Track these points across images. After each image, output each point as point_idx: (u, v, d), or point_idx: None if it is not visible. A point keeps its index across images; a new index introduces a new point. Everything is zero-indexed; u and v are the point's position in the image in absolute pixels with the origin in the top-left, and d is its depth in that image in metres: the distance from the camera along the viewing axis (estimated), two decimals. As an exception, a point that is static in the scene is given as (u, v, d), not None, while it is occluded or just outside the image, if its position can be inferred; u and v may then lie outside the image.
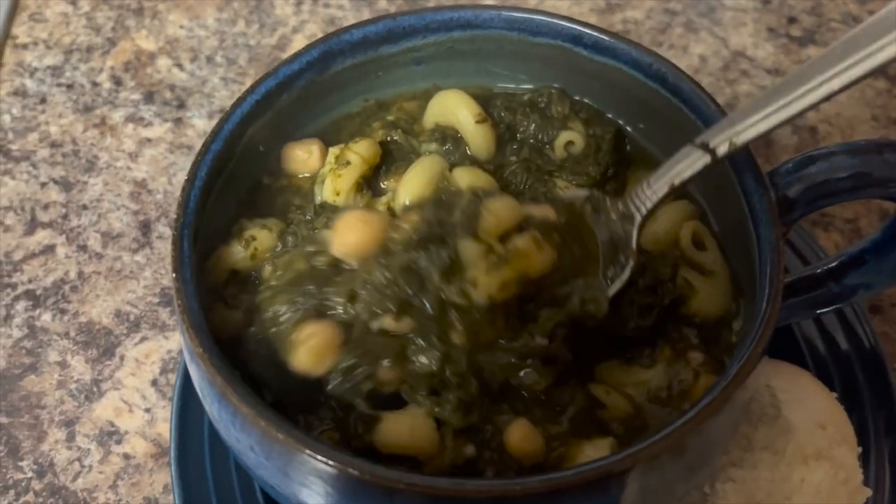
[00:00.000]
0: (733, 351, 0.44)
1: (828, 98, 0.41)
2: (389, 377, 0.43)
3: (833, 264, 0.51)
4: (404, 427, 0.43)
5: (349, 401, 0.43)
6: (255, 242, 0.49)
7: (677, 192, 0.47)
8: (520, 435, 0.42)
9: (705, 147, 0.45)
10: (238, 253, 0.49)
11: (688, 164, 0.45)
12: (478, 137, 0.53)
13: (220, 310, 0.48)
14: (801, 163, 0.46)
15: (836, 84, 0.40)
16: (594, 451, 0.42)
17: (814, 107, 0.42)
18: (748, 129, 0.43)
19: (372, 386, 0.43)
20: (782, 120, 0.42)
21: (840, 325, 0.59)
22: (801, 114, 0.42)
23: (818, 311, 0.53)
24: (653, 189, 0.46)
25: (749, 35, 0.83)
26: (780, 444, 0.49)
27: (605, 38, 0.52)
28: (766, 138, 0.76)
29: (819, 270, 0.51)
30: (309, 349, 0.42)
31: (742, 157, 0.47)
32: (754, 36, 0.83)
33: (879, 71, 0.42)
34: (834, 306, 0.52)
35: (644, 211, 0.47)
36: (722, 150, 0.44)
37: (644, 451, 0.39)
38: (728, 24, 0.84)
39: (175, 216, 0.45)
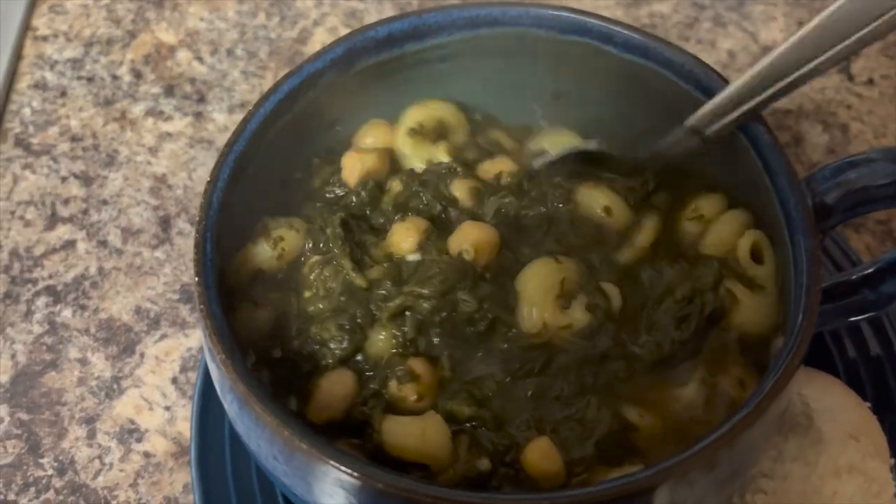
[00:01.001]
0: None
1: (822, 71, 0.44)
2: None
3: (869, 271, 0.49)
4: (416, 430, 0.42)
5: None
6: (283, 243, 0.49)
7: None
8: (540, 453, 0.41)
9: (695, 129, 0.48)
10: (265, 252, 0.49)
11: (677, 141, 0.49)
12: None
13: (249, 308, 0.47)
14: (838, 168, 0.45)
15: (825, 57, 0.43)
16: None
17: (807, 80, 0.44)
18: (736, 111, 0.46)
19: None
20: (768, 96, 0.45)
21: (873, 333, 0.57)
22: (787, 91, 0.45)
23: (852, 319, 0.52)
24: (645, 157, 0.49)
25: (779, 30, 0.81)
26: (811, 455, 0.48)
27: (636, 36, 0.51)
28: (795, 136, 0.74)
29: (854, 277, 0.50)
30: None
31: (777, 161, 0.46)
32: (785, 31, 0.81)
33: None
34: (868, 314, 0.50)
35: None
36: (711, 130, 0.47)
37: (675, 468, 0.38)
38: (757, 19, 0.82)
39: (198, 218, 0.45)
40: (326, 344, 0.45)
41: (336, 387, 0.44)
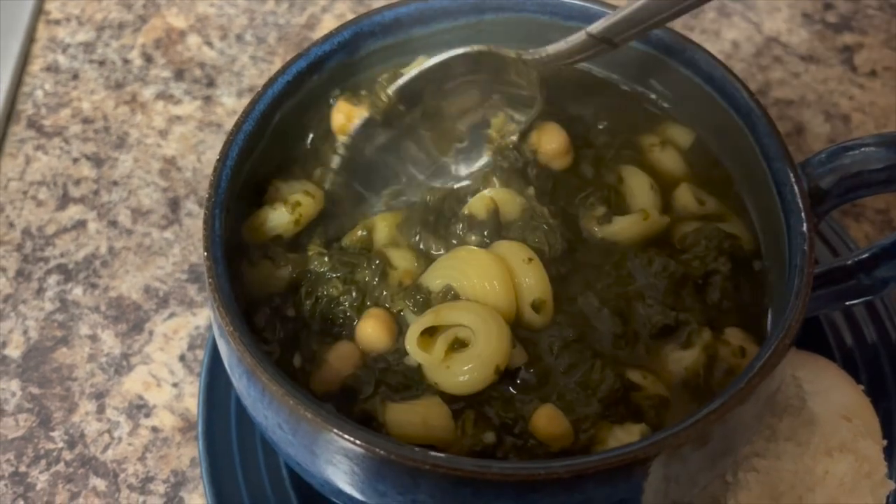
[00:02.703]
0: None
1: None
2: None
3: (864, 256, 0.50)
4: (416, 417, 0.43)
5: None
6: (300, 208, 0.50)
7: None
8: (546, 419, 0.42)
9: (590, 34, 0.47)
10: (283, 217, 0.50)
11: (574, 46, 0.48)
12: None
13: (268, 267, 0.49)
14: (834, 153, 0.46)
15: None
16: (625, 436, 0.42)
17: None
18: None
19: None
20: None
21: (868, 317, 0.58)
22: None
23: (847, 303, 0.53)
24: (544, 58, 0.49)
25: (783, 20, 0.82)
26: (804, 435, 0.49)
27: (638, 23, 0.52)
28: (797, 126, 0.75)
29: (849, 262, 0.51)
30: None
31: (773, 146, 0.47)
32: (789, 21, 0.82)
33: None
34: (863, 299, 0.51)
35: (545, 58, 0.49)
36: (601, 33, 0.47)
37: (668, 440, 0.39)
38: (762, 9, 0.83)
39: (207, 195, 0.46)
40: (336, 300, 0.47)
41: (341, 359, 0.45)
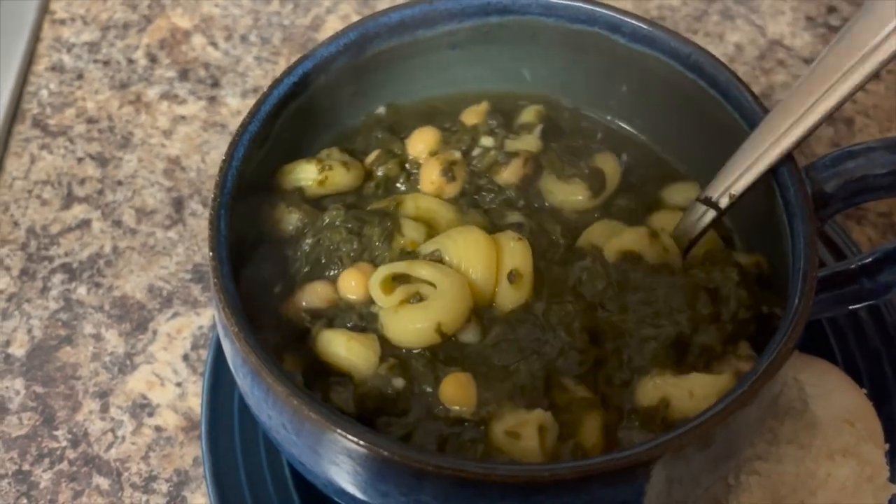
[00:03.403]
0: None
1: (812, 131, 0.44)
2: None
3: (867, 260, 0.50)
4: (342, 340, 0.46)
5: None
6: (330, 173, 0.52)
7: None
8: (456, 384, 0.44)
9: (709, 202, 0.48)
10: (310, 173, 0.52)
11: (695, 220, 0.49)
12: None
13: (282, 210, 0.51)
14: (838, 157, 0.46)
15: (812, 119, 0.44)
16: (514, 421, 0.43)
17: (799, 144, 0.45)
18: (742, 178, 0.46)
19: None
20: (772, 162, 0.45)
21: (871, 320, 0.58)
22: (791, 151, 0.45)
23: (850, 307, 0.53)
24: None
25: (787, 24, 0.82)
26: (806, 438, 0.49)
27: (643, 26, 0.52)
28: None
29: (852, 266, 0.51)
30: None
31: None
32: (792, 25, 0.82)
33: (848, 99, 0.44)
34: (866, 303, 0.51)
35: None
36: (724, 202, 0.47)
37: (671, 442, 0.39)
38: (766, 12, 0.83)
39: (212, 196, 0.46)
40: (336, 245, 0.49)
41: (315, 294, 0.48)
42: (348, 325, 0.47)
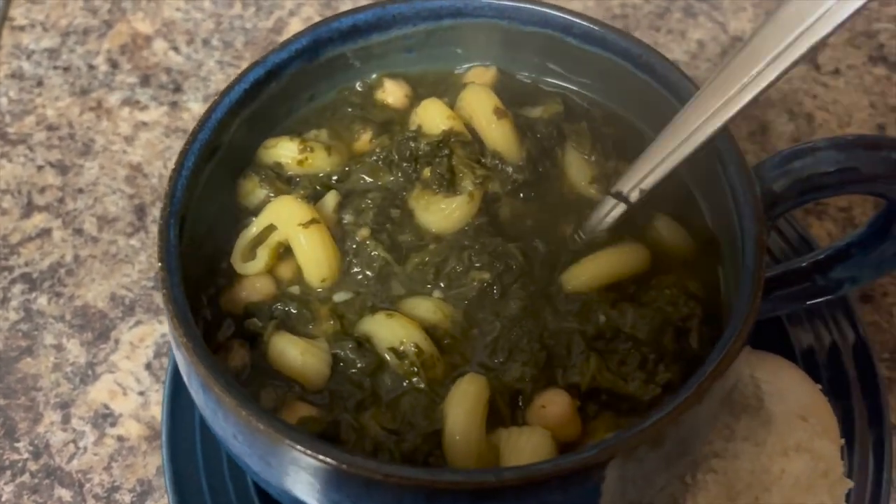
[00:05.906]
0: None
1: (722, 130, 0.45)
2: None
3: (819, 257, 0.51)
4: (297, 350, 0.46)
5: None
6: (311, 154, 0.52)
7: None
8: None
9: (620, 196, 0.48)
10: (291, 150, 0.52)
11: (606, 212, 0.49)
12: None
13: (253, 182, 0.52)
14: (787, 157, 0.46)
15: (720, 120, 0.44)
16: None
17: (711, 141, 0.45)
18: (652, 174, 0.47)
19: None
20: (682, 158, 0.46)
21: (829, 316, 0.59)
22: (698, 151, 0.46)
23: (806, 304, 0.53)
24: (583, 238, 0.50)
25: (748, 20, 0.83)
26: (761, 435, 0.49)
27: (594, 28, 0.52)
28: (761, 125, 0.76)
29: (805, 264, 0.51)
30: None
31: (728, 151, 0.47)
32: (754, 21, 0.82)
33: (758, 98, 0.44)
34: (820, 299, 0.52)
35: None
36: (634, 196, 0.48)
37: (622, 443, 0.39)
38: (727, 9, 0.83)
39: (162, 205, 0.46)
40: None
41: (256, 287, 0.49)
42: (293, 311, 0.48)
